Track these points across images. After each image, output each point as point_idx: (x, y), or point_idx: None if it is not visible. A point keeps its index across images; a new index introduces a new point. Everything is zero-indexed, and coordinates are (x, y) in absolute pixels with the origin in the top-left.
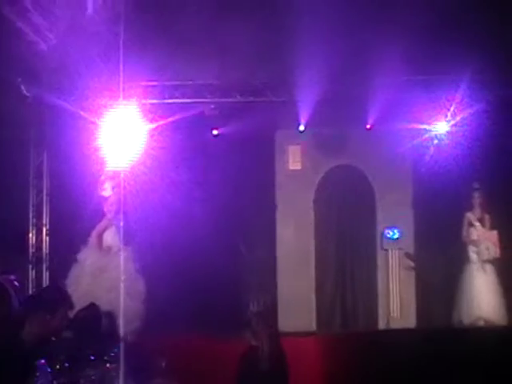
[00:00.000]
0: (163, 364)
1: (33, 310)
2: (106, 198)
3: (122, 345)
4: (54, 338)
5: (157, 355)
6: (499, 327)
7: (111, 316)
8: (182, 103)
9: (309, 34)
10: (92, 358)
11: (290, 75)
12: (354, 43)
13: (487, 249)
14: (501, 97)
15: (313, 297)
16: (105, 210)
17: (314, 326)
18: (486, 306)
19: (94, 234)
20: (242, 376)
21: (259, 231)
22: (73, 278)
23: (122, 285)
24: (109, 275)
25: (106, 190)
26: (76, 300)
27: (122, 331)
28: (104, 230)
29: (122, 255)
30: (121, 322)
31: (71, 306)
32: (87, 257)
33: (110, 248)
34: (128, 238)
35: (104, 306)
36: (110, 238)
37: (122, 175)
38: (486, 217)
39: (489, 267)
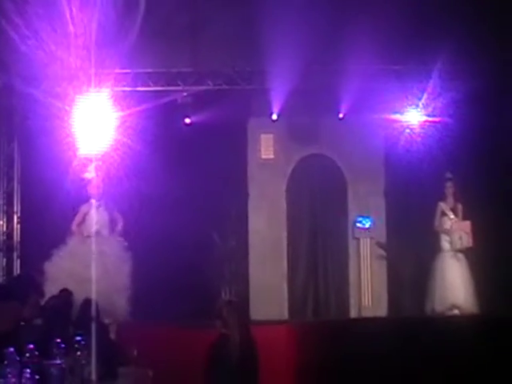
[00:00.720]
0: (135, 352)
1: (3, 298)
2: (89, 181)
3: (93, 333)
4: (22, 323)
5: (128, 344)
6: (471, 316)
7: (87, 303)
8: (154, 91)
9: (282, 22)
10: (62, 345)
11: (262, 63)
12: (327, 32)
13: (460, 238)
14: (473, 87)
15: (285, 286)
16: (88, 192)
17: (285, 315)
18: (459, 294)
19: (75, 221)
20: (212, 364)
21: (231, 220)
22: (56, 264)
23: (100, 272)
24: (91, 261)
25: (90, 172)
26: (58, 285)
27: (94, 319)
28: (84, 217)
29: (107, 241)
30: (93, 309)
31: (42, 294)
32: (70, 243)
33: (92, 233)
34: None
35: (86, 292)
36: (93, 222)
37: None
38: (459, 206)
39: (461, 256)
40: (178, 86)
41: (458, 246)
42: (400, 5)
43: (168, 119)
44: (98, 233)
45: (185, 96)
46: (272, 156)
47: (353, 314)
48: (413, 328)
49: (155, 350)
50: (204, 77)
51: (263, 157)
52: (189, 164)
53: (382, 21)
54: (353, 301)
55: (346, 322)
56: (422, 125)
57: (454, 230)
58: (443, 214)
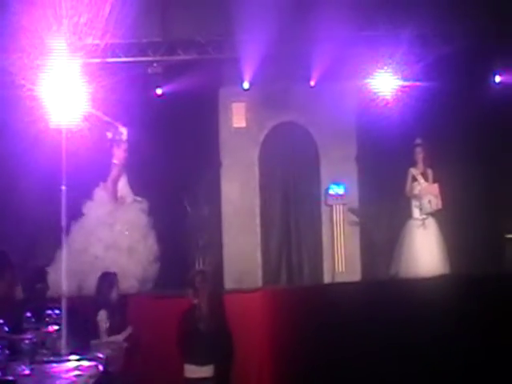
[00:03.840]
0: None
1: None
2: (119, 144)
3: (63, 306)
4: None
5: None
6: (445, 276)
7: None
8: (124, 62)
9: None
10: (33, 320)
11: (233, 32)
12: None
13: (429, 202)
14: (444, 52)
15: (258, 253)
16: (117, 156)
17: (260, 283)
18: (424, 264)
19: (110, 182)
20: (182, 334)
21: (204, 189)
22: (79, 232)
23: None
24: (121, 228)
25: (123, 134)
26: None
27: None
28: (118, 179)
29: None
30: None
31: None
32: (97, 209)
33: (123, 198)
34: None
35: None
36: (123, 187)
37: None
38: (429, 171)
39: (431, 221)
40: (149, 56)
41: (428, 209)
42: None
43: (139, 90)
44: (122, 198)
45: (155, 66)
46: (244, 124)
47: (326, 279)
48: (387, 291)
49: (130, 320)
50: (174, 47)
51: (235, 125)
52: (161, 134)
53: None
54: (326, 267)
55: (320, 287)
56: (394, 90)
57: (423, 194)
58: (414, 179)
